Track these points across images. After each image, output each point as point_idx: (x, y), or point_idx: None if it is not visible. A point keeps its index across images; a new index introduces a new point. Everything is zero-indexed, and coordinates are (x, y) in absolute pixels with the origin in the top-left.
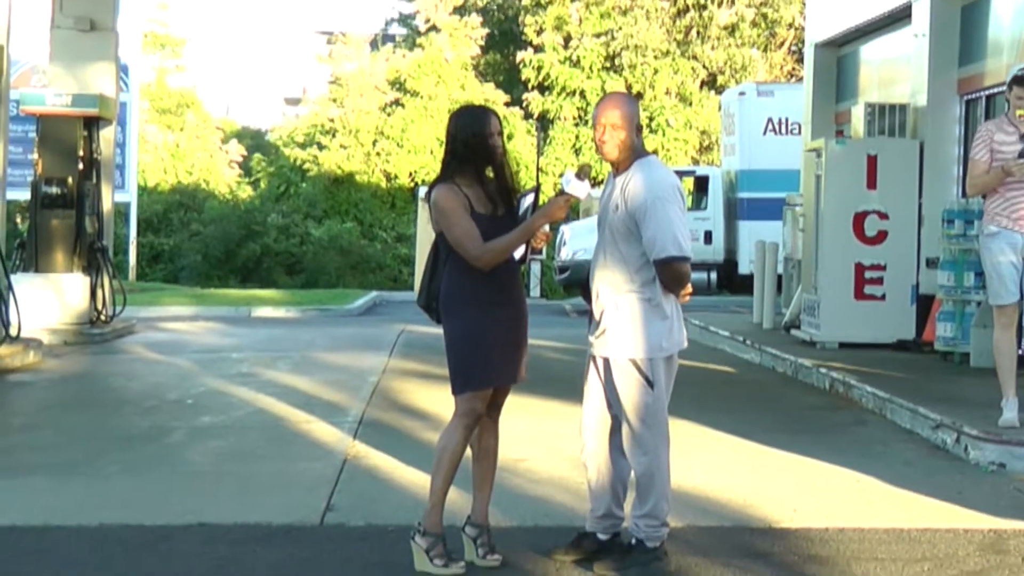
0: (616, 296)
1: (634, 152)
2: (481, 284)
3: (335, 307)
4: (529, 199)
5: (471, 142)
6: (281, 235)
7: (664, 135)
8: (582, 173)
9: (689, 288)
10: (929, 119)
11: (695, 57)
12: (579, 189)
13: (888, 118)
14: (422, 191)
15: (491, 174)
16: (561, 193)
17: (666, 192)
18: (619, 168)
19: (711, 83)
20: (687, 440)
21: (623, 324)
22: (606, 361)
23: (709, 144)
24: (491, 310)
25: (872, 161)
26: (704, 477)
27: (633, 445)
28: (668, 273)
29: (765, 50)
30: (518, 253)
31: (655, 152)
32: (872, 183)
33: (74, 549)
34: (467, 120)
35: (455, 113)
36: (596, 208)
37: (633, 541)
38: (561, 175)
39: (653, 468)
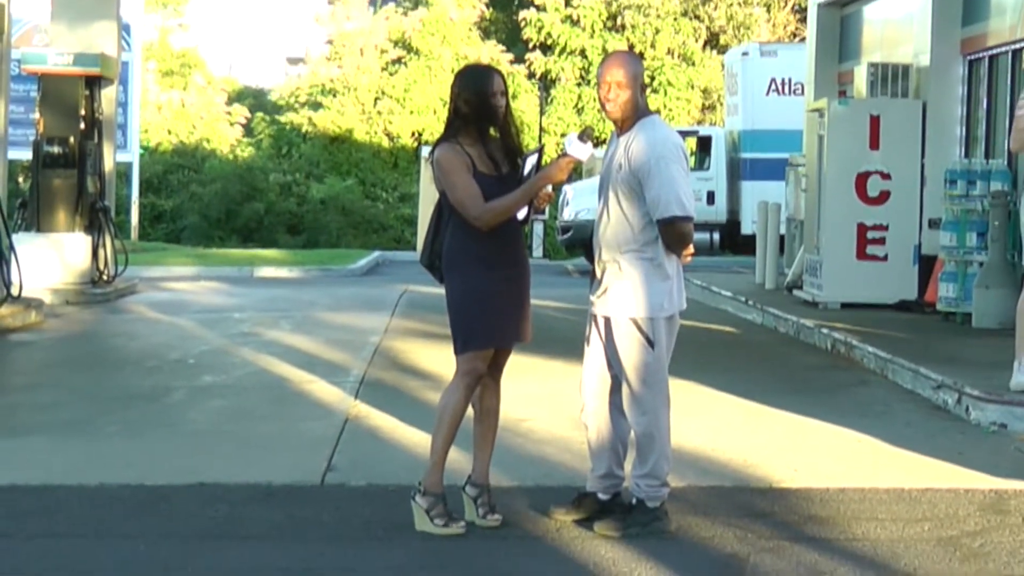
0: (618, 255)
1: (638, 111)
2: (484, 244)
3: (337, 267)
4: (532, 159)
5: (474, 101)
6: (283, 193)
7: (666, 94)
8: (584, 135)
9: (691, 249)
10: (932, 79)
11: (698, 17)
12: (581, 151)
13: (891, 78)
14: (425, 151)
15: (495, 133)
16: (563, 155)
17: (669, 151)
18: (622, 127)
19: (714, 43)
20: (688, 400)
21: (625, 283)
22: (607, 320)
23: (711, 104)
24: (493, 270)
25: (875, 121)
26: (705, 437)
27: (633, 405)
28: (671, 233)
29: (768, 9)
30: (521, 214)
31: (657, 112)
32: (875, 143)
33: (74, 508)
34: (471, 79)
35: (459, 72)
36: (599, 168)
37: (634, 501)
38: (563, 135)
39: (653, 428)
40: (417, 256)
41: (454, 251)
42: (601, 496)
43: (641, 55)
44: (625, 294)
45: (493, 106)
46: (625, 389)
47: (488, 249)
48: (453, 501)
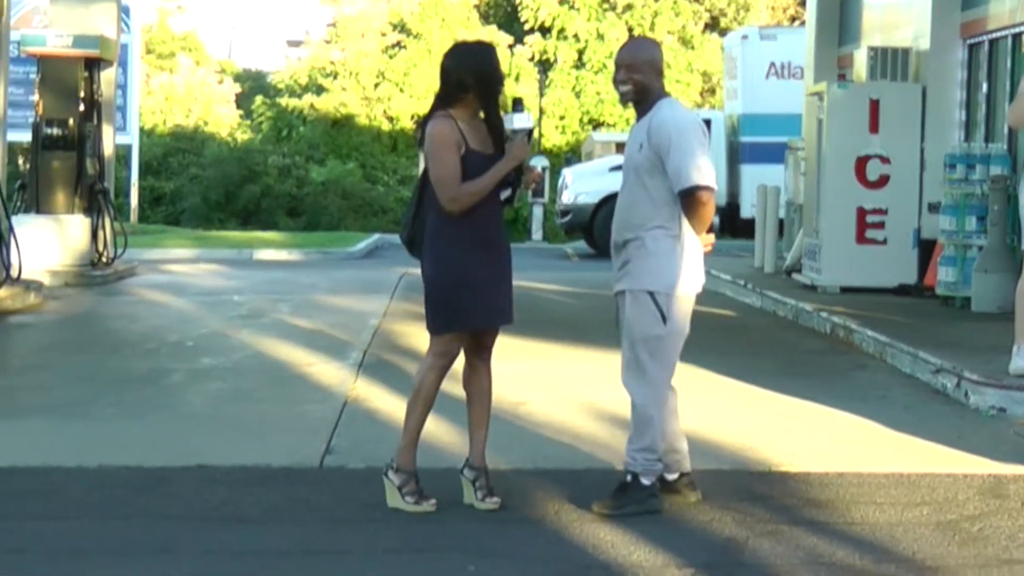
0: (642, 232)
1: (651, 95)
2: (464, 224)
3: (337, 250)
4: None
5: (485, 76)
6: (282, 176)
7: (666, 77)
8: (518, 105)
9: (712, 238)
10: (932, 63)
11: (698, 0)
12: (524, 120)
13: (891, 62)
14: None
15: (482, 114)
16: (515, 132)
17: (688, 126)
18: (640, 111)
19: (714, 26)
20: (687, 383)
21: (644, 258)
22: (624, 294)
23: (711, 87)
24: (474, 250)
25: (874, 105)
26: (704, 420)
27: (637, 376)
28: (693, 203)
29: None
30: (504, 194)
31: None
32: (874, 127)
33: (74, 490)
34: (483, 56)
35: (464, 47)
36: (598, 152)
37: (628, 478)
38: (562, 118)
39: (652, 402)
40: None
41: (435, 230)
42: (667, 476)
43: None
44: (645, 268)
45: (499, 83)
46: (631, 360)
47: (469, 229)
48: (452, 483)
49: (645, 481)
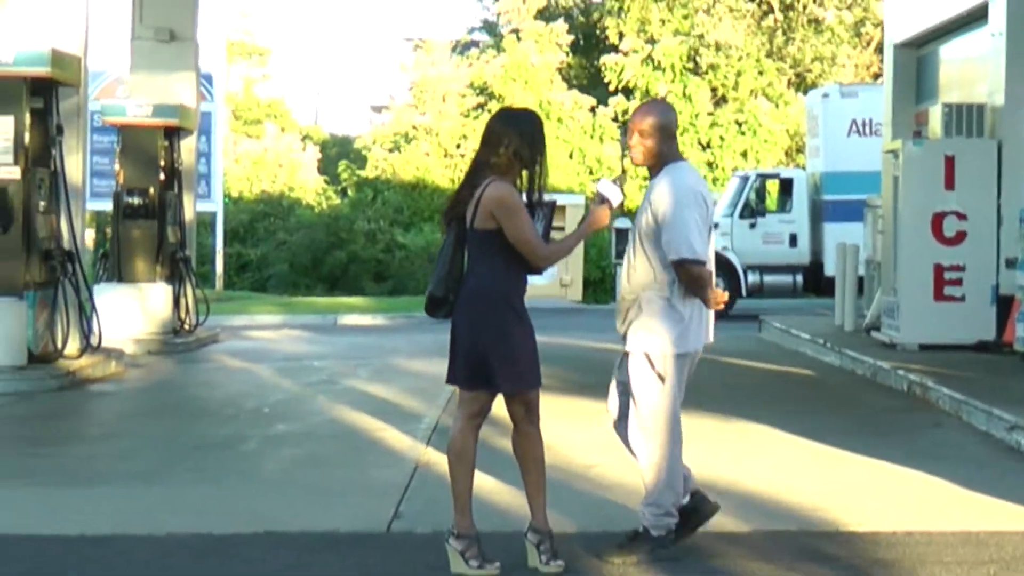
0: (640, 293)
1: (661, 159)
2: (518, 287)
3: (422, 314)
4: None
5: (538, 150)
6: (368, 242)
7: (755, 135)
8: (618, 180)
9: (724, 296)
10: (1007, 118)
11: (782, 58)
12: (614, 194)
13: (966, 118)
14: None
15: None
16: (602, 200)
17: (686, 198)
18: (652, 175)
19: (799, 84)
20: (758, 442)
21: (641, 320)
22: (626, 354)
23: (800, 146)
24: (515, 313)
25: (950, 161)
26: (775, 480)
27: (640, 435)
28: (683, 275)
29: (854, 47)
30: None
31: (743, 153)
32: (950, 183)
33: (138, 557)
34: (537, 128)
35: (527, 117)
36: None
37: (640, 529)
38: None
39: (657, 459)
40: (432, 287)
41: (481, 291)
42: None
43: (723, 99)
44: (641, 330)
45: (545, 156)
46: (634, 419)
47: (518, 293)
48: (519, 547)
49: (653, 533)
